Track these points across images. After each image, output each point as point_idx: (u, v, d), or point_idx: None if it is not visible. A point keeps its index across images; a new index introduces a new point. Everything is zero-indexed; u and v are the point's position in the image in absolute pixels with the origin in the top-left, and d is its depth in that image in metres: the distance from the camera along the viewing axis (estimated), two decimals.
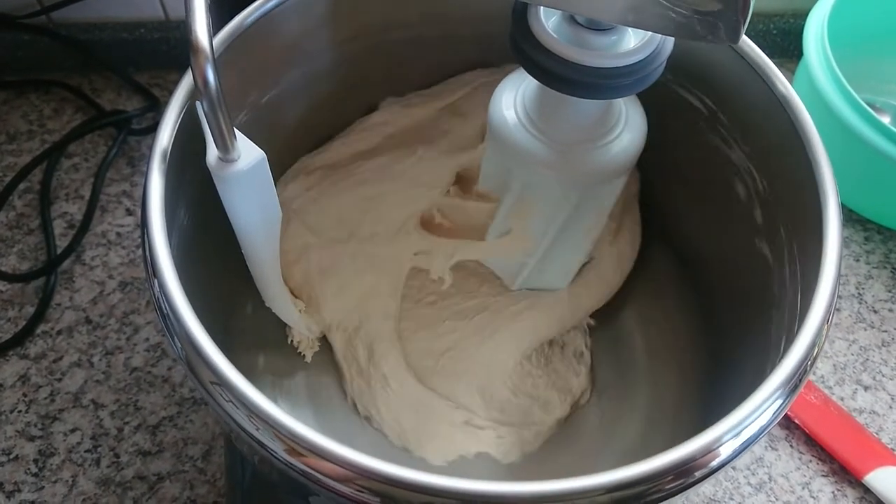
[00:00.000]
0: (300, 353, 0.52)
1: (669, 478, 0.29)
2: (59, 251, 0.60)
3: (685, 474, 0.29)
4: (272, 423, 0.30)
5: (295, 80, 0.46)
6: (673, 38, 0.37)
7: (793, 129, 0.38)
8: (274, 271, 0.45)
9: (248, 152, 0.35)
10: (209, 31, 0.31)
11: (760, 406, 0.30)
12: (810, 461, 0.54)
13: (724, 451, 0.30)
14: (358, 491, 0.29)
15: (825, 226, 0.35)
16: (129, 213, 0.63)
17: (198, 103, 0.37)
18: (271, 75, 0.44)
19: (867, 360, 0.59)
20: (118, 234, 0.61)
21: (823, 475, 0.54)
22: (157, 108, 0.68)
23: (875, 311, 0.61)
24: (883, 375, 0.58)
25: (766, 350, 0.38)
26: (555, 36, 0.36)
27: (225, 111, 0.32)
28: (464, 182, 0.52)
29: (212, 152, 0.35)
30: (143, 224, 0.34)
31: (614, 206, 0.47)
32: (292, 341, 0.51)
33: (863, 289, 0.62)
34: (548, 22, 0.36)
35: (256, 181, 0.37)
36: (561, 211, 0.45)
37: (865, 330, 0.60)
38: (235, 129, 0.34)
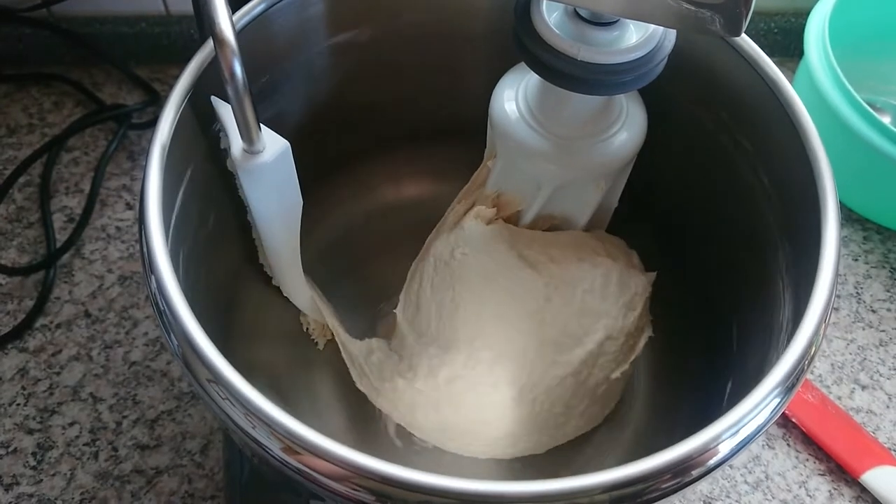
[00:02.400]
0: (314, 339, 0.52)
1: (667, 476, 0.29)
2: (58, 245, 0.60)
3: (682, 473, 0.29)
4: (268, 421, 0.30)
5: (294, 76, 0.46)
6: (674, 36, 0.37)
7: (792, 129, 0.38)
8: (294, 260, 0.45)
9: (272, 143, 0.35)
10: (232, 23, 0.31)
11: (758, 405, 0.30)
12: (807, 460, 0.54)
13: (722, 450, 0.30)
14: (354, 490, 0.29)
15: (823, 225, 0.35)
16: (129, 207, 0.63)
17: (213, 98, 0.37)
18: (269, 72, 0.44)
19: (865, 359, 0.59)
20: (118, 228, 0.61)
21: (820, 474, 0.54)
22: (157, 103, 0.68)
23: (873, 311, 0.61)
24: (880, 375, 0.58)
25: (765, 349, 0.38)
26: (557, 31, 0.36)
27: (251, 103, 0.32)
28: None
29: (236, 145, 0.35)
30: (141, 220, 0.34)
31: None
32: (308, 329, 0.51)
33: (861, 288, 0.62)
34: (550, 17, 0.36)
35: (281, 171, 0.37)
36: (590, 203, 0.46)
37: (863, 329, 0.60)
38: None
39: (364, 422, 0.50)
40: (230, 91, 0.32)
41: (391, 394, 0.49)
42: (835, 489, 0.53)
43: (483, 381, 0.47)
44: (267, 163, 0.35)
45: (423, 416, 0.48)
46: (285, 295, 0.47)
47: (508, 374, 0.46)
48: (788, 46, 0.73)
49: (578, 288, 0.47)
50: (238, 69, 0.31)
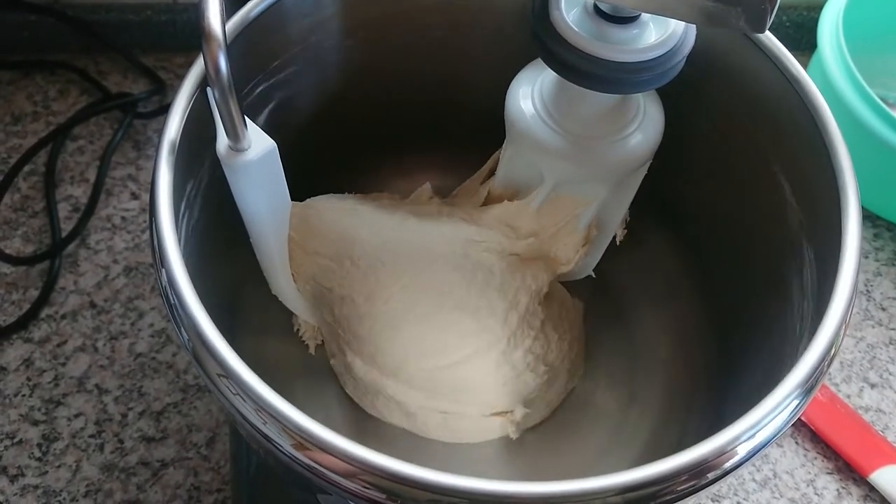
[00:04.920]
0: (304, 342, 0.51)
1: (683, 478, 0.29)
2: (63, 234, 0.59)
3: (698, 476, 0.29)
4: (279, 417, 0.29)
5: (305, 69, 0.45)
6: (693, 35, 0.37)
7: (814, 129, 0.37)
8: (281, 260, 0.44)
9: (258, 141, 0.35)
10: (222, 18, 0.31)
11: (776, 408, 0.30)
12: (815, 458, 0.54)
13: (740, 452, 0.29)
14: (364, 487, 0.29)
15: (844, 226, 0.34)
16: (135, 197, 0.62)
17: (209, 91, 0.37)
18: (281, 64, 0.44)
19: (874, 357, 0.58)
20: (123, 218, 0.61)
21: (828, 472, 0.54)
22: (163, 92, 0.68)
23: (883, 309, 0.61)
24: (890, 374, 0.58)
25: (781, 350, 0.37)
26: (575, 29, 0.35)
27: (236, 100, 0.32)
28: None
29: (222, 141, 0.35)
30: (152, 213, 0.34)
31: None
32: (298, 330, 0.51)
33: (871, 286, 0.62)
34: (569, 14, 0.36)
35: (266, 171, 0.36)
36: (593, 203, 0.45)
37: (873, 327, 0.60)
38: (246, 118, 0.34)
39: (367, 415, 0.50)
40: (215, 88, 0.31)
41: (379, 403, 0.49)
42: (843, 488, 0.53)
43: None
44: (252, 161, 0.35)
45: (419, 410, 0.48)
46: (274, 294, 0.47)
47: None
48: (800, 40, 0.72)
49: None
50: (223, 65, 0.31)
